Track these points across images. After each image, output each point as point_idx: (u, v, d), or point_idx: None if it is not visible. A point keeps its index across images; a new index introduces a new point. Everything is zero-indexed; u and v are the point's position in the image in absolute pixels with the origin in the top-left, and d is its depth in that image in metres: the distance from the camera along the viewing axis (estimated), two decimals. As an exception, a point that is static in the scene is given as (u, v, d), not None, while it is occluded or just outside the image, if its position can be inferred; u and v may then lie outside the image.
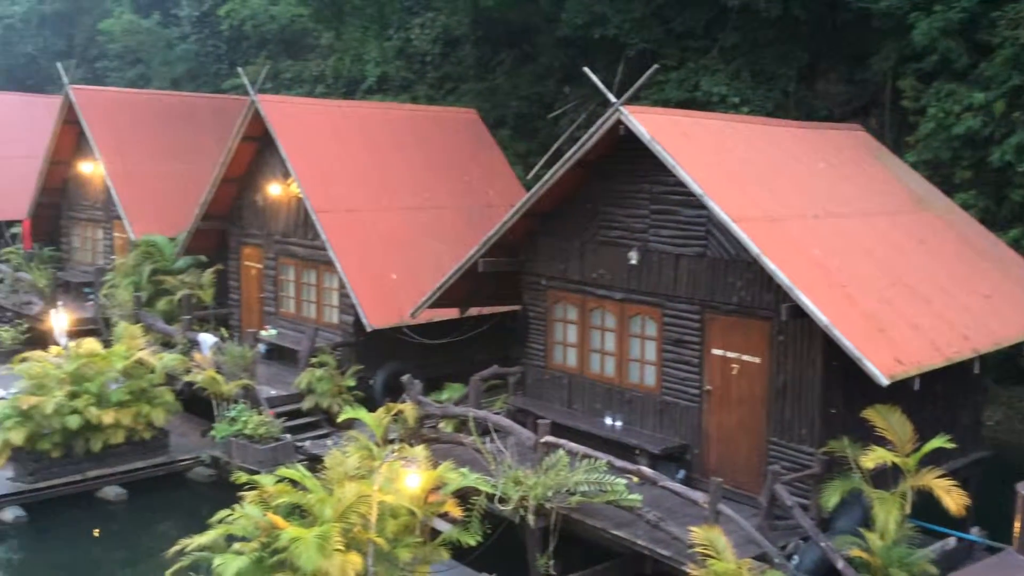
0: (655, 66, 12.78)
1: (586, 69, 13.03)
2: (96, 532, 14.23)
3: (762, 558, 10.07)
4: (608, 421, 13.64)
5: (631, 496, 10.96)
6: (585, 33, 22.34)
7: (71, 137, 24.81)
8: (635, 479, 11.36)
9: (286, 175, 18.77)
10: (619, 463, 11.40)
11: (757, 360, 12.00)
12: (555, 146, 21.60)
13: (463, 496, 10.98)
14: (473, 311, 16.67)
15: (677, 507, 11.28)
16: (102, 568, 13.54)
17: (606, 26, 21.67)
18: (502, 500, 11.17)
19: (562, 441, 11.83)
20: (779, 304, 11.19)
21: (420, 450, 11.04)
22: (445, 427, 14.32)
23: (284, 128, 18.45)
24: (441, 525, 10.87)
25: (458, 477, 10.65)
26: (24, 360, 15.35)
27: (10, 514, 14.11)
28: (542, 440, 11.88)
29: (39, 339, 21.49)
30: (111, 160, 23.15)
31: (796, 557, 10.26)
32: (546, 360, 14.72)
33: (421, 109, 23.15)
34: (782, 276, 10.74)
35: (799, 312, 10.79)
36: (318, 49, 32.58)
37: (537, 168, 21.63)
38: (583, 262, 13.97)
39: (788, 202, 12.73)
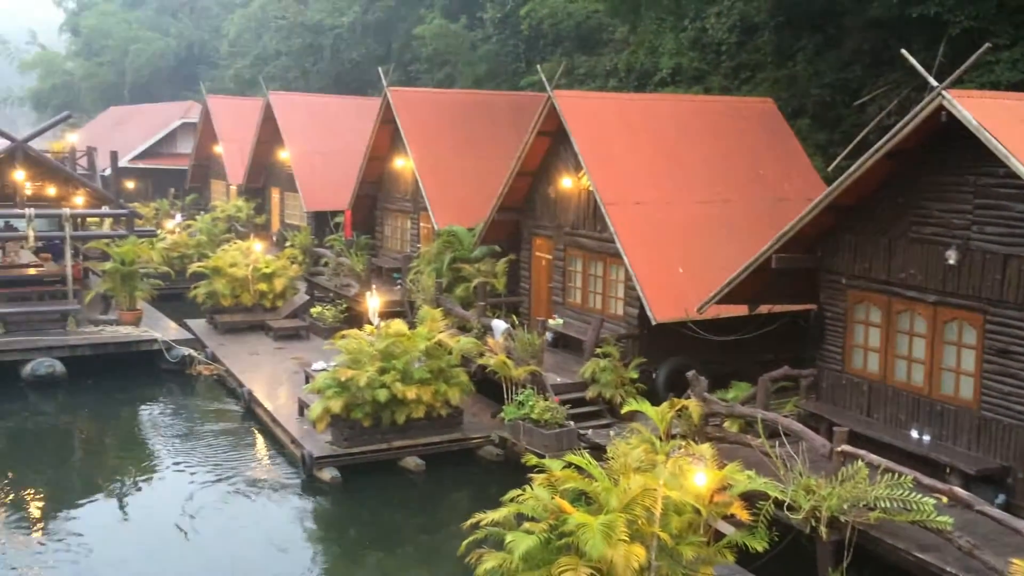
0: (986, 45, 11.47)
1: (904, 51, 11.98)
2: (397, 499, 15.48)
3: (1103, 606, 8.72)
4: (914, 434, 12.52)
5: (940, 518, 9.95)
6: (901, 12, 20.58)
7: (387, 135, 27.15)
8: (944, 500, 10.30)
9: (577, 168, 19.18)
10: (926, 480, 10.40)
11: (1104, 378, 10.40)
12: (860, 135, 20.12)
13: (748, 499, 10.58)
14: (762, 308, 16.04)
15: (994, 535, 10.08)
16: (402, 531, 14.66)
17: (926, 3, 19.82)
18: (791, 508, 10.62)
19: (861, 452, 11.01)
20: None
21: (706, 448, 10.79)
22: (730, 426, 13.91)
23: (577, 122, 18.85)
24: (725, 527, 10.55)
25: (745, 479, 10.29)
26: (343, 337, 17.03)
27: (328, 474, 15.73)
28: (838, 449, 11.14)
29: (355, 318, 23.83)
30: (420, 155, 25.04)
31: None
32: (843, 364, 13.80)
33: (714, 100, 22.64)
34: None
35: None
36: (612, 44, 32.97)
37: (839, 159, 20.27)
38: (890, 260, 12.90)
39: None
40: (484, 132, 26.18)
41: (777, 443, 12.07)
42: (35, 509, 14.88)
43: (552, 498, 9.48)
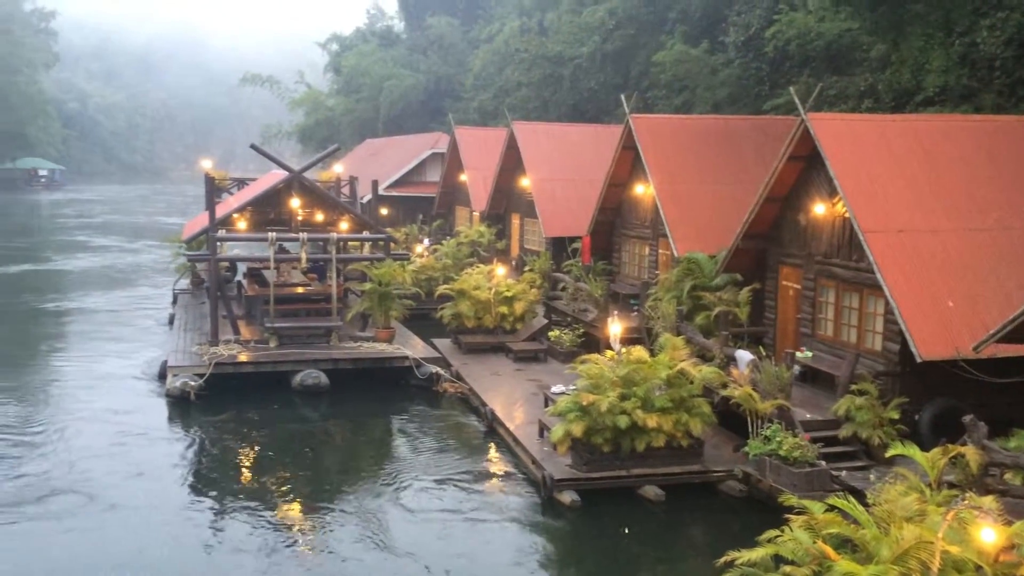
0: None
1: None
2: (630, 528, 15.28)
3: None
4: None
5: None
6: None
7: (628, 161, 27.23)
8: None
9: (832, 194, 18.23)
10: None
11: None
12: None
13: (1041, 563, 9.42)
14: (1051, 349, 14.36)
15: None
16: (640, 561, 14.42)
17: None
18: (1096, 577, 9.33)
19: None
20: None
21: (991, 501, 9.75)
22: (1012, 479, 12.51)
23: (833, 145, 17.94)
24: (1013, 592, 9.46)
25: (1038, 540, 9.16)
26: (584, 361, 17.15)
27: (568, 497, 15.81)
28: None
29: (592, 343, 23.99)
30: (661, 181, 24.87)
31: None
32: None
33: (988, 119, 20.72)
34: None
35: None
36: (866, 63, 31.17)
37: None
38: None
39: None
40: (726, 157, 25.60)
41: (1076, 502, 10.71)
42: (302, 496, 16.40)
43: (814, 542, 8.94)
